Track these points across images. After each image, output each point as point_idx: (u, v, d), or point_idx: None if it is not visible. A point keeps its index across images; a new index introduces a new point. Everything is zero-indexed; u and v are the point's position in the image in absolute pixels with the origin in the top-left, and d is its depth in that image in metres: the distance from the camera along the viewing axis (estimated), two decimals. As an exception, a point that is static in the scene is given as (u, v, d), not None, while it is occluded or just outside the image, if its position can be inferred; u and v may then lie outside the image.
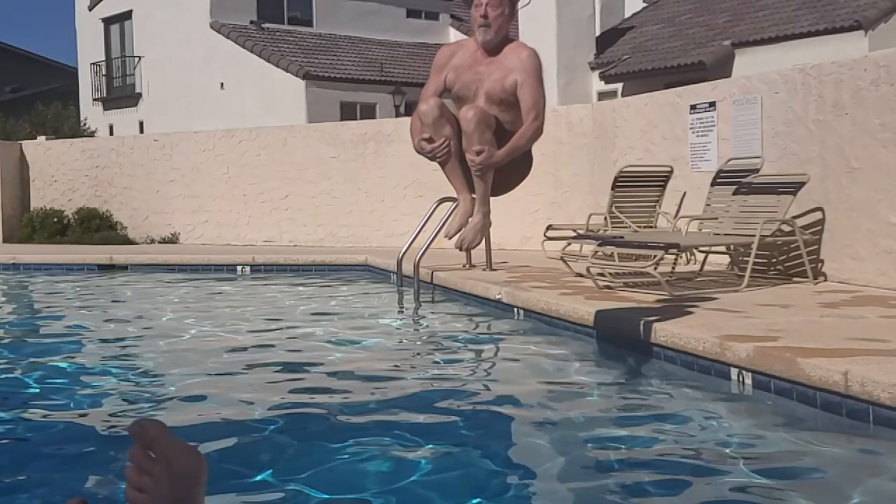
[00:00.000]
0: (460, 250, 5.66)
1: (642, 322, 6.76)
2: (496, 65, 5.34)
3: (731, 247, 9.90)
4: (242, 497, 4.09)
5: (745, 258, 9.20)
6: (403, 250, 11.23)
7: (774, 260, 9.69)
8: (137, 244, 18.10)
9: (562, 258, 10.08)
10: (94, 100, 34.01)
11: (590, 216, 11.70)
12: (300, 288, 12.28)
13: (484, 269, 11.06)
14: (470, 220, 5.46)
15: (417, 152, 5.38)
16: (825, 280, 9.10)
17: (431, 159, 5.34)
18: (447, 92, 5.44)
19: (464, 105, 5.32)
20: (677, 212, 11.23)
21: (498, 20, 5.31)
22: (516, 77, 5.27)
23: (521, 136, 5.32)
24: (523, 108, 5.29)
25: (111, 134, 31.02)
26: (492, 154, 5.16)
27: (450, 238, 5.54)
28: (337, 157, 16.62)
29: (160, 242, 18.23)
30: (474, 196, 5.44)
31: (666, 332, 6.42)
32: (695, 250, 10.44)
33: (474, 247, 5.62)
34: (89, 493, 4.14)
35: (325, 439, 4.97)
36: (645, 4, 27.52)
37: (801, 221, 9.19)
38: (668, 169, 11.30)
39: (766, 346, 5.59)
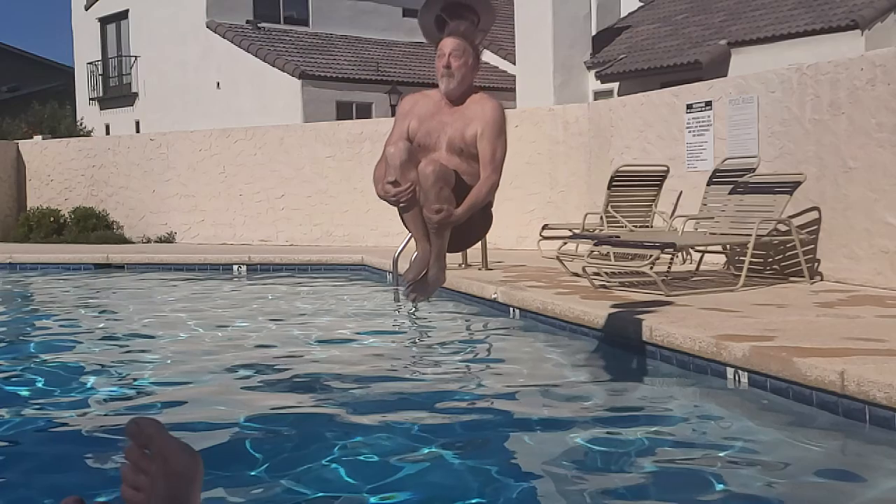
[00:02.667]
0: (413, 302, 5.47)
1: (638, 322, 6.76)
2: (459, 115, 5.23)
3: (728, 246, 9.90)
4: (238, 496, 4.08)
5: (742, 258, 9.21)
6: (399, 250, 11.22)
7: (771, 259, 9.70)
8: (134, 243, 18.08)
9: (558, 258, 10.08)
10: (91, 99, 33.96)
11: (586, 215, 11.71)
12: (296, 287, 12.27)
13: (480, 269, 11.06)
14: (426, 273, 5.23)
15: (380, 197, 5.14)
16: (821, 280, 9.10)
17: (394, 204, 5.10)
18: (409, 141, 5.25)
19: (425, 154, 5.14)
20: (673, 211, 11.24)
21: (461, 70, 5.21)
22: (477, 128, 5.16)
23: (478, 191, 5.14)
24: (481, 161, 5.16)
25: (107, 133, 31.00)
26: (450, 213, 4.96)
27: (404, 284, 5.35)
28: (333, 157, 16.61)
29: (156, 242, 18.22)
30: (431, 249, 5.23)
31: (662, 331, 6.43)
32: (691, 250, 10.45)
33: (425, 298, 5.41)
34: (85, 491, 4.14)
35: (320, 438, 4.97)
36: (641, 4, 27.51)
37: (797, 221, 9.19)
38: (665, 168, 11.30)
39: (763, 346, 5.59)
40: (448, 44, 5.25)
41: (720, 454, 4.56)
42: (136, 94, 32.24)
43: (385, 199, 5.09)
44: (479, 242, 11.32)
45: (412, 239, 5.35)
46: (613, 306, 7.54)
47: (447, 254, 5.33)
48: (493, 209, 5.53)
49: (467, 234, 5.45)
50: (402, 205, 5.06)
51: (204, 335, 8.61)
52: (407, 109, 5.41)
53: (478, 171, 5.18)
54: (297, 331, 8.77)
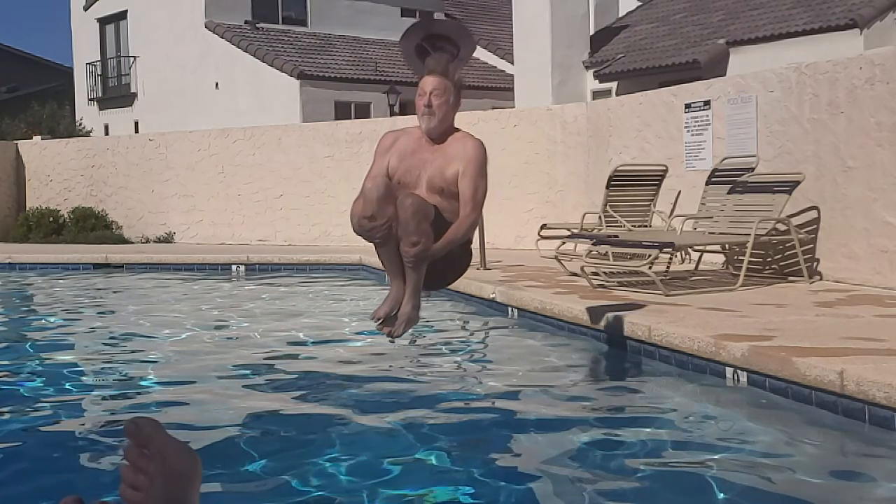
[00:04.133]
0: (391, 336, 5.27)
1: (637, 321, 6.76)
2: (440, 153, 5.19)
3: (726, 246, 9.90)
4: (237, 495, 4.08)
5: (741, 257, 9.21)
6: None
7: (769, 259, 9.70)
8: (133, 243, 18.08)
9: (556, 257, 10.07)
10: (90, 99, 33.94)
11: (584, 215, 11.71)
12: (294, 287, 12.27)
13: (478, 269, 11.05)
14: (399, 310, 5.14)
15: (356, 232, 5.04)
16: (820, 279, 9.10)
17: (369, 240, 5.03)
18: (389, 178, 5.19)
19: (404, 191, 5.08)
20: (672, 211, 11.24)
21: (442, 108, 5.17)
22: (458, 166, 5.13)
23: (457, 228, 5.09)
24: (461, 199, 5.13)
25: (106, 134, 30.97)
26: (427, 246, 4.89)
27: (374, 321, 5.23)
28: (331, 157, 16.62)
29: (155, 242, 18.22)
30: (406, 286, 5.13)
31: (661, 331, 6.42)
32: (689, 249, 10.44)
33: (399, 336, 5.27)
34: (84, 491, 4.13)
35: (319, 438, 4.97)
36: (639, 3, 27.51)
37: (796, 220, 9.19)
38: (663, 168, 11.31)
39: (762, 346, 5.59)
40: (429, 82, 5.20)
41: (719, 454, 4.56)
42: (134, 95, 32.23)
43: (360, 234, 5.01)
44: (478, 242, 11.34)
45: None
46: (612, 306, 7.54)
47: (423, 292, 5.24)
48: (472, 246, 5.49)
49: (445, 272, 5.37)
50: (377, 240, 4.99)
51: (202, 335, 8.61)
52: (387, 146, 5.33)
53: (458, 209, 5.13)
54: (296, 331, 8.77)
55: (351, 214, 5.00)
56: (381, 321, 5.15)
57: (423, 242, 4.85)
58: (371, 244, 5.16)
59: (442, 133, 5.21)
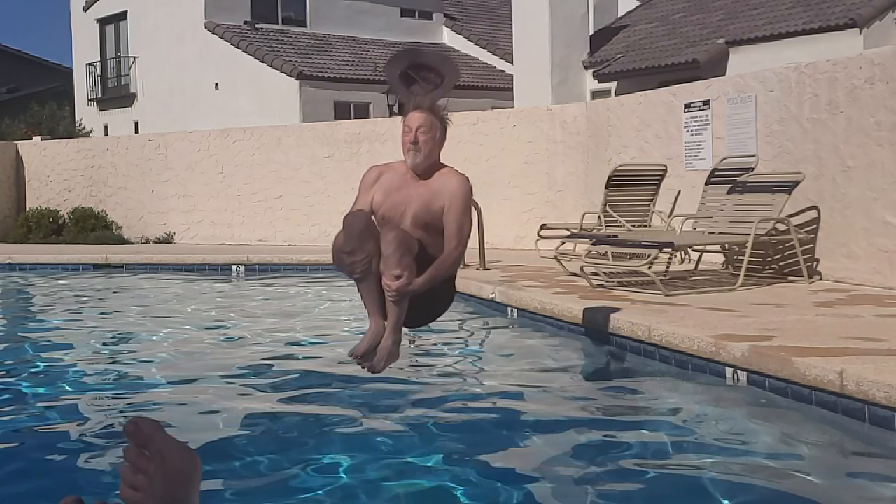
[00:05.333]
0: (371, 373, 5.14)
1: (637, 321, 6.76)
2: (425, 188, 5.14)
3: (726, 246, 9.90)
4: (237, 495, 4.08)
5: (740, 257, 9.21)
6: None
7: (769, 259, 9.70)
8: (132, 244, 18.08)
9: (556, 257, 10.07)
10: (90, 100, 33.93)
11: (584, 215, 11.71)
12: (294, 287, 12.27)
13: (478, 269, 11.06)
14: (380, 345, 5.00)
15: (336, 266, 5.01)
16: (820, 279, 9.10)
17: (349, 274, 4.97)
18: (373, 213, 5.15)
19: (388, 226, 5.03)
20: (671, 211, 11.24)
21: (428, 144, 5.13)
22: (444, 202, 5.08)
23: (442, 263, 5.03)
24: (446, 234, 5.07)
25: (106, 134, 30.96)
26: (410, 280, 4.80)
27: (354, 358, 5.10)
28: (331, 157, 16.62)
29: (155, 242, 18.22)
30: (385, 322, 5.01)
31: (660, 331, 6.42)
32: (689, 249, 10.44)
33: (379, 372, 5.14)
34: (84, 491, 4.14)
35: (319, 438, 4.97)
36: (638, 3, 27.50)
37: (795, 220, 9.19)
38: (663, 168, 11.31)
39: (761, 346, 5.59)
40: (415, 119, 5.16)
41: (719, 454, 4.56)
42: (134, 95, 32.22)
43: (340, 269, 4.96)
44: (478, 242, 11.35)
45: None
46: (612, 306, 7.54)
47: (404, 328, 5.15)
48: (456, 283, 5.40)
49: (428, 308, 5.27)
50: (356, 275, 4.92)
51: (202, 335, 8.61)
52: (371, 181, 5.28)
53: (442, 245, 5.08)
54: (295, 331, 8.77)
55: (332, 248, 4.95)
56: (360, 357, 5.04)
57: (405, 276, 4.78)
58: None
59: (428, 168, 5.17)
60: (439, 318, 5.53)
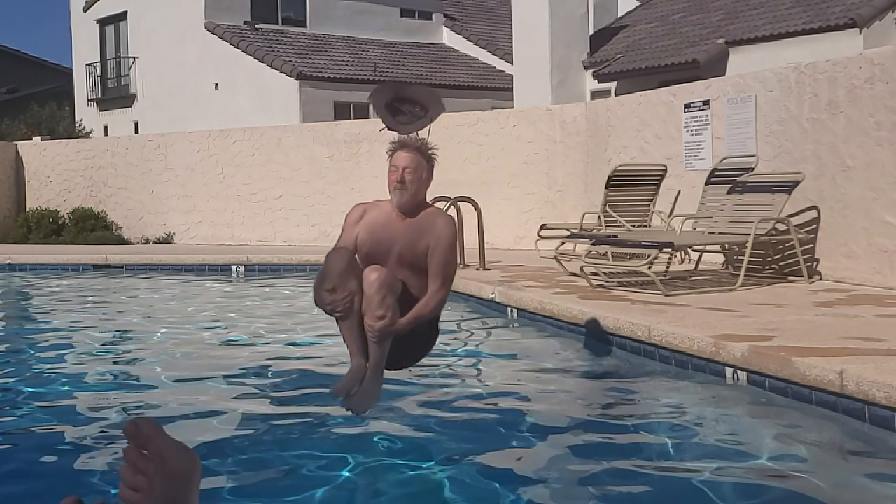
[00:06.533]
0: (353, 413, 5.02)
1: (637, 321, 6.76)
2: (410, 227, 5.10)
3: (726, 246, 9.90)
4: (236, 496, 4.08)
5: (740, 257, 9.21)
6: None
7: (769, 259, 9.69)
8: (132, 244, 18.08)
9: (556, 257, 10.07)
10: (90, 100, 33.92)
11: (584, 215, 11.71)
12: (294, 287, 12.27)
13: (477, 269, 11.06)
14: (361, 386, 4.91)
15: (316, 304, 4.87)
16: (820, 279, 9.10)
17: (329, 313, 4.84)
18: (357, 251, 5.10)
19: (372, 265, 4.95)
20: (671, 211, 11.24)
21: (415, 184, 5.09)
22: (429, 242, 5.04)
23: (426, 304, 5.00)
24: (430, 275, 5.04)
25: (106, 134, 30.96)
26: (393, 321, 4.73)
27: (335, 395, 5.01)
28: (331, 157, 16.62)
29: (155, 242, 18.22)
30: (367, 364, 4.92)
31: (660, 331, 6.42)
32: (689, 249, 10.44)
33: (362, 413, 5.03)
34: (83, 491, 4.14)
35: (318, 438, 4.97)
36: (638, 3, 27.49)
37: (795, 220, 9.19)
38: (663, 168, 11.30)
39: (761, 346, 5.59)
40: (402, 158, 5.13)
41: (719, 454, 4.56)
42: (134, 96, 32.23)
43: (321, 307, 4.85)
44: (478, 242, 11.35)
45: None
46: (611, 306, 7.54)
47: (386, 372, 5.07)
48: (439, 324, 5.36)
49: (410, 349, 5.19)
50: (337, 314, 4.82)
51: (202, 336, 8.61)
52: (356, 219, 5.26)
53: (426, 285, 5.05)
54: (295, 331, 8.77)
55: (314, 287, 4.86)
56: (341, 396, 4.95)
57: (388, 317, 4.72)
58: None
59: (413, 208, 5.14)
60: (415, 362, 5.46)
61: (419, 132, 5.31)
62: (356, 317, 4.80)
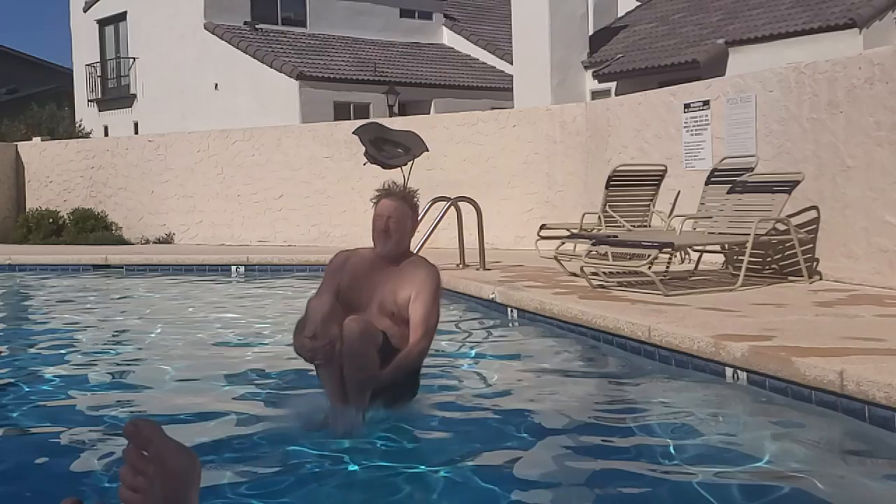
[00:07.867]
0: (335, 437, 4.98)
1: (637, 321, 6.76)
2: (393, 275, 5.10)
3: (726, 246, 9.90)
4: (236, 496, 4.08)
5: (740, 257, 9.21)
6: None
7: (769, 259, 9.69)
8: (132, 244, 18.08)
9: (555, 258, 10.07)
10: (89, 101, 33.96)
11: (584, 215, 11.70)
12: (294, 288, 12.26)
13: (477, 269, 11.06)
14: (339, 418, 4.90)
15: (296, 351, 4.87)
16: (820, 279, 9.10)
17: (310, 360, 4.84)
18: (338, 299, 5.05)
19: (354, 314, 4.92)
20: (671, 211, 11.24)
21: (399, 233, 5.11)
22: (411, 291, 5.03)
23: (407, 354, 4.96)
24: (412, 324, 5.00)
25: (106, 135, 30.99)
26: (374, 373, 4.73)
27: (306, 430, 5.01)
28: (331, 157, 16.61)
29: (155, 243, 18.22)
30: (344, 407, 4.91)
31: (660, 331, 6.42)
32: (689, 249, 10.44)
33: (346, 435, 4.94)
34: (83, 491, 4.14)
35: (316, 438, 4.96)
36: (638, 3, 27.51)
37: (795, 220, 9.19)
38: (662, 168, 11.30)
39: (761, 346, 5.59)
40: (387, 207, 5.14)
41: (718, 454, 4.56)
42: (134, 96, 32.26)
43: (301, 354, 4.83)
44: (478, 242, 11.34)
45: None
46: (611, 306, 7.54)
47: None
48: (421, 375, 5.33)
49: (390, 400, 5.14)
50: (318, 361, 4.81)
51: (202, 336, 8.61)
52: (338, 266, 5.25)
53: (407, 335, 5.01)
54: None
55: (294, 333, 4.85)
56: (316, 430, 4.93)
57: (368, 368, 4.71)
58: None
59: (397, 256, 5.15)
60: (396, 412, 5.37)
61: (402, 167, 5.33)
62: (337, 364, 4.77)
